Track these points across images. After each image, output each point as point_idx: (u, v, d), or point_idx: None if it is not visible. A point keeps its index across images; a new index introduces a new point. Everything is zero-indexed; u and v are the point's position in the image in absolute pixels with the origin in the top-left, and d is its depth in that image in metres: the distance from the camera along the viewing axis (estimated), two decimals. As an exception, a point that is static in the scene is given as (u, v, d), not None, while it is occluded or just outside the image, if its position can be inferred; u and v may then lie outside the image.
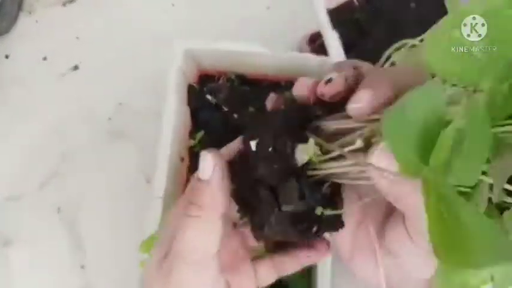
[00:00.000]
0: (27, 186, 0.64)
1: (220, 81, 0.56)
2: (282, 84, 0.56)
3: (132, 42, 0.69)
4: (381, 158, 0.19)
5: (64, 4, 0.72)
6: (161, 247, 0.27)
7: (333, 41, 0.49)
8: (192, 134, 0.57)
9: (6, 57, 0.69)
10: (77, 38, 0.70)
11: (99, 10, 0.71)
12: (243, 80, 0.56)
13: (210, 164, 0.26)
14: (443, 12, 0.63)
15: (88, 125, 0.66)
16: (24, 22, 0.71)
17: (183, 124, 0.55)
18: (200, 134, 0.55)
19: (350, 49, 0.49)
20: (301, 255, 0.29)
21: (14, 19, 0.70)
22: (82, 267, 0.61)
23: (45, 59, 0.69)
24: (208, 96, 0.56)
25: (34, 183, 0.64)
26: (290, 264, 0.30)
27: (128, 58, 0.68)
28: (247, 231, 0.28)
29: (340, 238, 0.27)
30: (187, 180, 0.56)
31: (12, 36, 0.70)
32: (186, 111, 0.56)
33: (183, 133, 0.56)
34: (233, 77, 0.56)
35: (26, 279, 0.61)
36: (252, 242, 0.29)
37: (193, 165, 0.56)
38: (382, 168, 0.19)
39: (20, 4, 0.71)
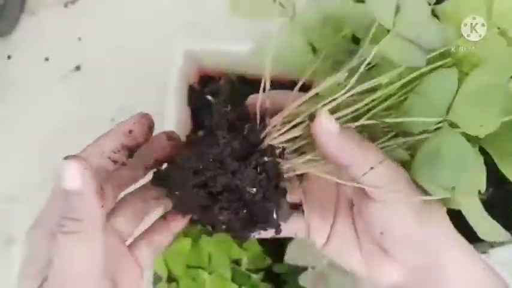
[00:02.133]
0: (28, 186, 0.64)
1: (221, 82, 0.56)
2: (283, 84, 0.57)
3: (133, 42, 0.69)
4: (327, 117, 0.24)
5: (66, 5, 0.72)
6: (29, 279, 0.24)
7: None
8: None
9: (9, 58, 0.70)
10: (79, 39, 0.70)
11: (101, 11, 0.71)
12: (243, 80, 0.57)
13: (76, 171, 0.22)
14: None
15: (90, 125, 0.66)
16: (26, 23, 0.71)
17: (184, 124, 0.56)
18: (200, 135, 0.56)
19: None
20: (171, 225, 0.29)
21: (16, 20, 0.71)
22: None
23: (47, 59, 0.69)
24: (209, 97, 0.56)
25: (34, 183, 0.64)
26: (165, 236, 0.29)
27: (130, 59, 0.68)
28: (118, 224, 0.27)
29: (316, 224, 0.29)
30: None
31: (14, 37, 0.70)
32: (186, 111, 0.56)
33: (184, 134, 0.56)
34: (234, 77, 0.56)
35: (28, 277, 0.61)
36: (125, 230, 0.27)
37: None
38: (326, 124, 0.23)
39: (22, 5, 0.72)
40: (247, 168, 0.24)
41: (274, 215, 0.26)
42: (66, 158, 0.22)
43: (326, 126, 0.23)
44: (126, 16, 0.71)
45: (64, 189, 0.22)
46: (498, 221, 0.50)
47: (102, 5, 0.72)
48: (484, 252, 0.47)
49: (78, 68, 0.69)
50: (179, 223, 0.28)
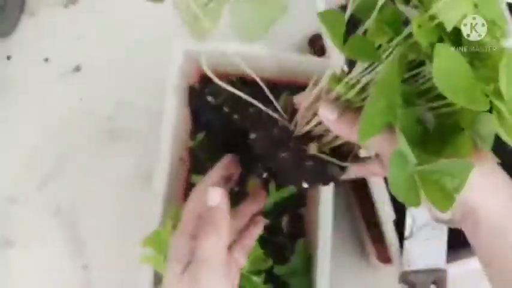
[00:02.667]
0: (28, 187, 0.64)
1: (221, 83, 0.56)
2: (283, 85, 0.57)
3: (132, 42, 0.69)
4: (324, 109, 0.32)
5: (65, 6, 0.72)
6: (178, 263, 0.35)
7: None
8: (192, 135, 0.57)
9: (8, 58, 0.70)
10: (78, 39, 0.70)
11: (100, 11, 0.71)
12: (243, 81, 0.57)
13: (218, 194, 0.36)
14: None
15: (89, 125, 0.66)
16: (25, 23, 0.71)
17: (183, 125, 0.55)
18: (200, 136, 0.55)
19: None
20: (254, 231, 0.41)
21: (15, 21, 0.71)
22: (83, 267, 0.61)
23: (46, 60, 0.69)
24: (209, 97, 0.56)
25: (34, 183, 0.64)
26: (250, 240, 0.40)
27: (129, 59, 0.68)
28: None
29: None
30: (187, 180, 0.56)
31: (14, 37, 0.71)
32: (186, 112, 0.56)
33: (183, 134, 0.56)
34: (234, 78, 0.56)
35: (26, 280, 0.61)
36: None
37: (192, 165, 0.56)
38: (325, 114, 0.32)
39: (22, 6, 0.72)
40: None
41: (304, 183, 0.38)
42: (212, 187, 0.37)
43: (325, 116, 0.31)
44: (125, 16, 0.71)
45: (210, 205, 0.36)
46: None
47: (102, 5, 0.71)
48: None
49: (77, 68, 0.69)
50: (258, 229, 0.41)
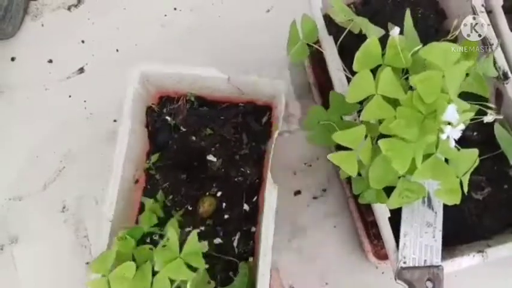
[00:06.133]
0: (33, 186, 0.65)
1: (180, 103, 0.55)
2: (241, 106, 0.56)
3: (135, 45, 0.70)
4: None
5: (69, 8, 0.73)
6: None
7: (328, 44, 0.50)
8: (149, 156, 0.55)
9: (12, 59, 0.71)
10: (82, 41, 0.71)
11: (104, 14, 0.72)
12: (202, 101, 0.56)
13: None
14: (437, 14, 0.64)
15: (93, 126, 0.67)
16: (29, 26, 0.72)
17: (140, 146, 0.54)
18: (155, 156, 0.54)
19: (346, 53, 0.50)
20: None
21: (19, 23, 0.71)
22: (87, 264, 0.62)
23: (50, 61, 0.70)
24: (167, 117, 0.55)
25: (39, 183, 0.65)
26: None
27: (132, 61, 0.68)
28: None
29: None
30: (141, 202, 0.54)
31: (18, 39, 0.72)
32: (143, 132, 0.55)
33: (139, 155, 0.54)
34: (193, 98, 0.55)
35: (32, 276, 0.62)
36: None
37: (147, 186, 0.55)
38: None
39: (26, 8, 0.73)
40: None
41: None
42: None
43: None
44: (129, 19, 0.72)
45: None
46: (496, 220, 0.50)
47: (105, 8, 0.72)
48: (480, 251, 0.47)
49: (81, 70, 0.70)
50: None
